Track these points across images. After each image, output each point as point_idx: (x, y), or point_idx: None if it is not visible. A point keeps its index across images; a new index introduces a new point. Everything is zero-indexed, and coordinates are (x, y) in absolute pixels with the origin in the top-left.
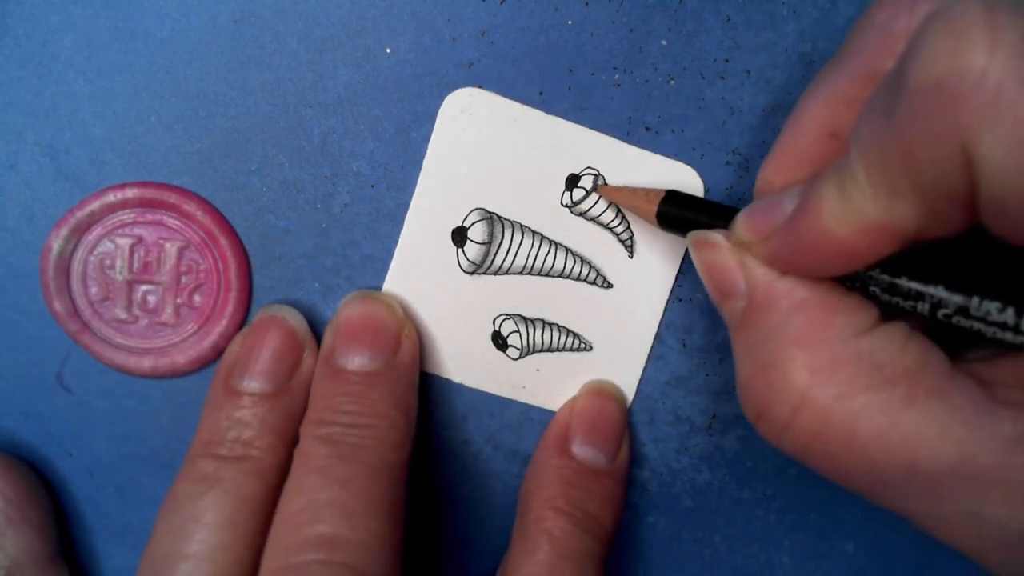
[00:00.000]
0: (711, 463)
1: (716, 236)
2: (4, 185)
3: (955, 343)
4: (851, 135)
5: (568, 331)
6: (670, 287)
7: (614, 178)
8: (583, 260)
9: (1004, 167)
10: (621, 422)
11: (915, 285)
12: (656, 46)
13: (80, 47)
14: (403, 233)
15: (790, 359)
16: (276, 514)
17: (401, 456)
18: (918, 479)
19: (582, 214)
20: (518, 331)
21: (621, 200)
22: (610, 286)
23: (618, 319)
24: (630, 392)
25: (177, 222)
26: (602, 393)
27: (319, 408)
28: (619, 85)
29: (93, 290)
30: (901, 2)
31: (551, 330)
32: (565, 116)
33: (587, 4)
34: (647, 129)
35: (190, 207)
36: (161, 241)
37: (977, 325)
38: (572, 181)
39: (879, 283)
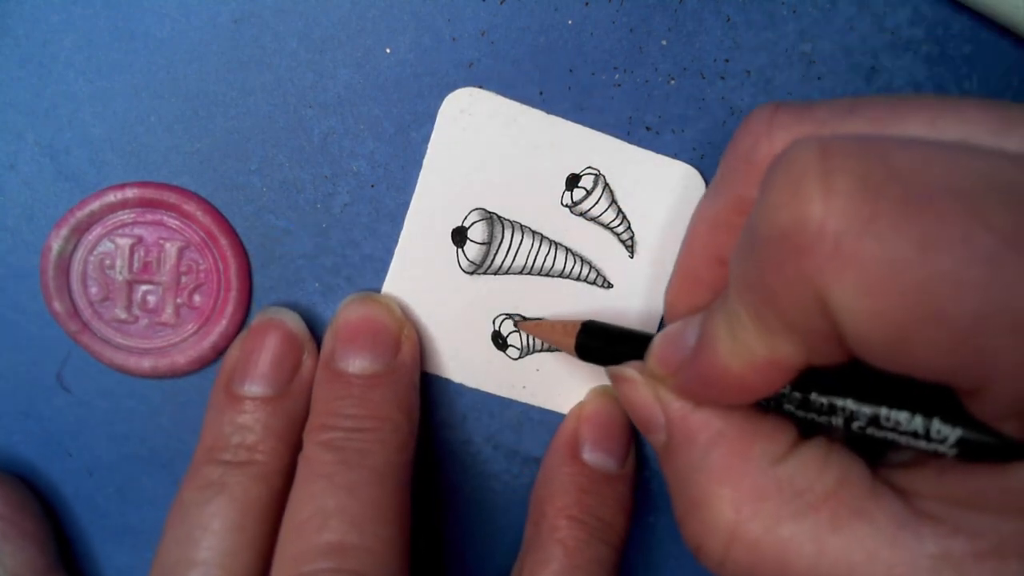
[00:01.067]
0: None
1: (630, 371)
2: (4, 185)
3: (878, 448)
4: (729, 272)
5: None
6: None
7: (616, 178)
8: (583, 260)
9: (858, 314)
10: (629, 426)
11: (826, 399)
12: (656, 46)
13: (80, 47)
14: (403, 233)
15: (715, 496)
16: (283, 522)
17: (405, 458)
18: None
19: (582, 214)
20: (518, 331)
21: (540, 334)
22: (610, 286)
23: (618, 319)
24: None
25: (177, 222)
26: (609, 397)
27: (321, 413)
28: (619, 85)
29: (93, 290)
30: (760, 129)
31: None
32: (565, 116)
33: (587, 4)
34: (647, 129)
35: (190, 207)
36: (161, 241)
37: (890, 435)
38: (572, 181)
39: (792, 400)
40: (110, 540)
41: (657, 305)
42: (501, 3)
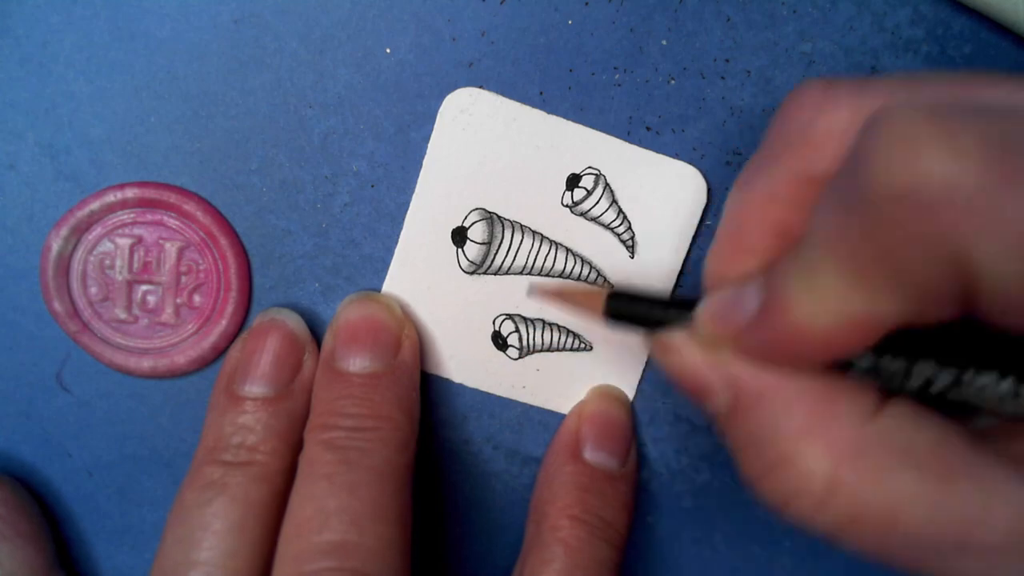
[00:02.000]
0: (711, 463)
1: (679, 337)
2: (4, 185)
3: (953, 413)
4: (809, 235)
5: (568, 331)
6: (671, 287)
7: (616, 178)
8: (583, 260)
9: (1006, 271)
10: (629, 425)
11: (902, 363)
12: (656, 46)
13: (80, 47)
14: (403, 233)
15: (806, 454)
16: (284, 522)
17: (406, 458)
18: (970, 553)
19: (583, 214)
20: (518, 331)
21: (563, 300)
22: (611, 286)
23: None
24: (630, 392)
25: (177, 222)
26: (609, 397)
27: (322, 412)
28: (619, 85)
29: (93, 290)
30: (815, 104)
31: (551, 330)
32: (565, 116)
33: (587, 4)
34: (647, 129)
35: (190, 207)
36: (161, 241)
37: (974, 398)
38: (573, 181)
39: (861, 364)
40: (110, 540)
41: None
42: (501, 3)
